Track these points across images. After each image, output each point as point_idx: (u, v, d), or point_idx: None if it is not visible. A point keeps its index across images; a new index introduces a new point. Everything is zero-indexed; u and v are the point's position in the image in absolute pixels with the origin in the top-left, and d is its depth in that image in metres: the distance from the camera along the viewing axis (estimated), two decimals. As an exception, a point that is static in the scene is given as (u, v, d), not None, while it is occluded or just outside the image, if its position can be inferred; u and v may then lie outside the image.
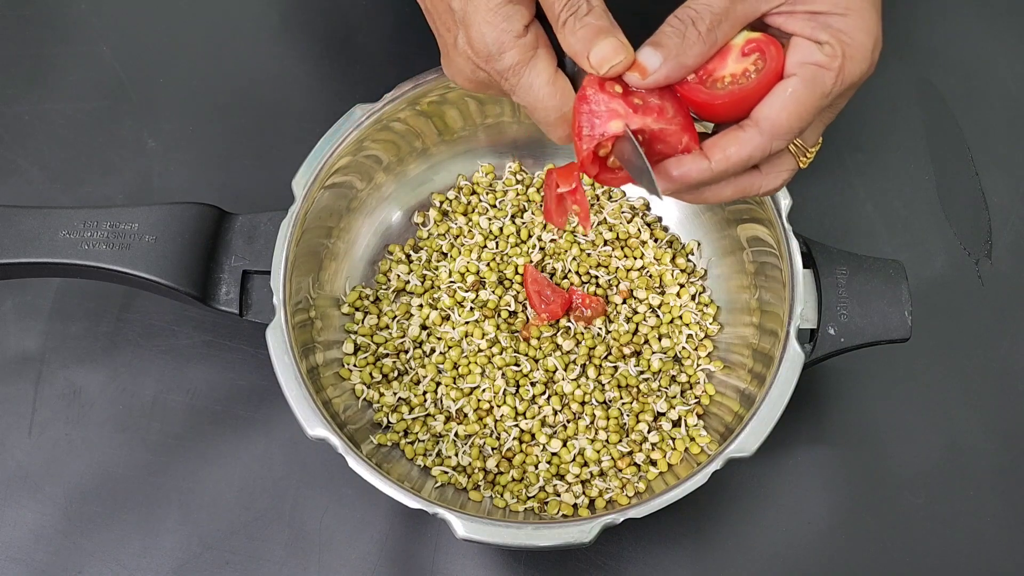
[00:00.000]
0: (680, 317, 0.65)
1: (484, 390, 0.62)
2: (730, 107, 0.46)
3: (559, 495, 0.60)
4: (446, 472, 0.60)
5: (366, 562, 0.62)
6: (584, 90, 0.46)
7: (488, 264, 0.66)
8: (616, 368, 0.63)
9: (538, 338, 0.64)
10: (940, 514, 0.63)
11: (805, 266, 0.58)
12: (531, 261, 0.66)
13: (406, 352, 0.64)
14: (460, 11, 0.47)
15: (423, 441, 0.61)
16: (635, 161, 0.45)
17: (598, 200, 0.68)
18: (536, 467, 0.61)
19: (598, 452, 0.61)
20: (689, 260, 0.67)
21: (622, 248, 0.67)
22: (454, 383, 0.63)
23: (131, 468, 0.64)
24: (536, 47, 0.47)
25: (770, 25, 0.46)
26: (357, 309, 0.65)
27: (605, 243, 0.67)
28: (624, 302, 0.65)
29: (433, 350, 0.64)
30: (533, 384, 0.62)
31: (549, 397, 0.62)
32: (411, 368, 0.63)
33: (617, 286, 0.66)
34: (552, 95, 0.47)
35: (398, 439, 0.61)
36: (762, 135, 0.46)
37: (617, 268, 0.66)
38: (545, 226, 0.67)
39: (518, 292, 0.65)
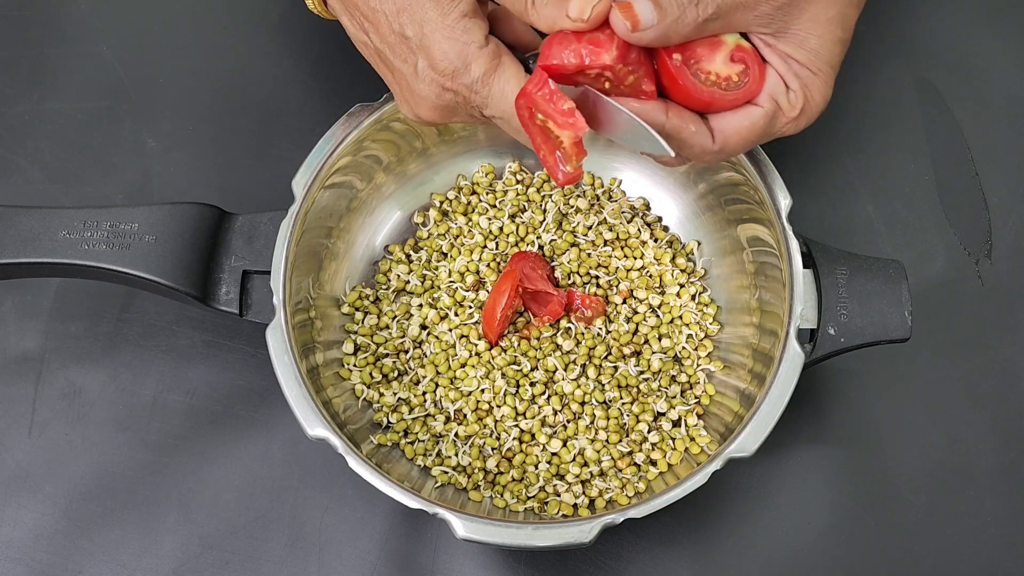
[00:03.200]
0: (680, 317, 0.65)
1: (484, 390, 0.62)
2: (703, 105, 0.47)
3: (559, 495, 0.60)
4: (446, 472, 0.60)
5: (366, 562, 0.62)
6: (555, 36, 0.46)
7: (488, 264, 0.66)
8: (616, 368, 0.63)
9: (538, 338, 0.64)
10: (940, 514, 0.63)
11: (805, 266, 0.58)
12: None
13: (406, 352, 0.64)
14: (416, 36, 0.47)
15: (423, 441, 0.61)
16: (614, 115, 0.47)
17: (598, 200, 0.68)
18: (536, 467, 0.61)
19: (598, 452, 0.61)
20: (689, 260, 0.67)
21: (622, 248, 0.67)
22: (451, 384, 0.63)
23: (131, 468, 0.64)
24: (500, 55, 0.48)
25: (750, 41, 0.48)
26: (357, 309, 0.65)
27: (605, 243, 0.67)
28: (624, 302, 0.65)
29: (432, 351, 0.64)
30: (533, 384, 0.62)
31: (549, 397, 0.62)
32: (411, 368, 0.63)
33: (617, 286, 0.66)
34: None
35: (398, 439, 0.61)
36: (713, 143, 0.48)
37: (617, 268, 0.66)
38: (544, 225, 0.67)
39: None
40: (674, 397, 0.62)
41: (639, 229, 0.67)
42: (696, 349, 0.64)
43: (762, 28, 0.47)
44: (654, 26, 0.44)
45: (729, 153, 0.49)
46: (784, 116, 0.48)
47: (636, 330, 0.65)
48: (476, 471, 0.60)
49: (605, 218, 0.67)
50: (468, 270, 0.66)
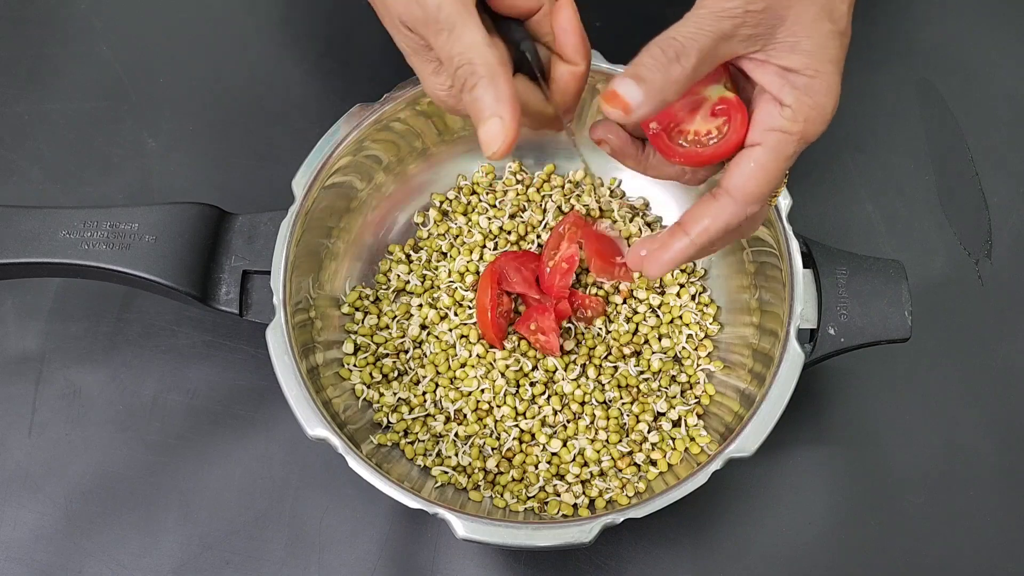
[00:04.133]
0: (680, 317, 0.65)
1: (484, 390, 0.62)
2: (685, 161, 0.48)
3: (559, 495, 0.60)
4: (446, 472, 0.60)
5: (366, 562, 0.62)
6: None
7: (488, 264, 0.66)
8: (616, 368, 0.63)
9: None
10: (940, 514, 0.63)
11: (805, 266, 0.58)
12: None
13: (406, 352, 0.64)
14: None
15: (423, 441, 0.61)
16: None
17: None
18: (536, 467, 0.61)
19: (598, 452, 0.61)
20: (689, 260, 0.67)
21: (622, 248, 0.67)
22: (451, 384, 0.63)
23: (131, 468, 0.64)
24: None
25: (741, 68, 0.47)
26: (357, 309, 0.65)
27: (605, 243, 0.67)
28: (624, 302, 0.65)
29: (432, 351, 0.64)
30: (533, 384, 0.62)
31: (549, 397, 0.62)
32: (411, 368, 0.63)
33: (617, 286, 0.66)
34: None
35: (398, 439, 0.61)
36: (736, 203, 0.47)
37: (617, 268, 0.66)
38: (544, 224, 0.67)
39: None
40: (674, 397, 0.62)
41: (639, 229, 0.67)
42: (696, 349, 0.64)
43: (751, 48, 0.46)
44: (645, 99, 0.44)
45: (760, 197, 0.47)
46: (791, 136, 0.47)
47: (636, 330, 0.65)
48: (476, 471, 0.60)
49: (605, 218, 0.67)
50: (468, 270, 0.66)
